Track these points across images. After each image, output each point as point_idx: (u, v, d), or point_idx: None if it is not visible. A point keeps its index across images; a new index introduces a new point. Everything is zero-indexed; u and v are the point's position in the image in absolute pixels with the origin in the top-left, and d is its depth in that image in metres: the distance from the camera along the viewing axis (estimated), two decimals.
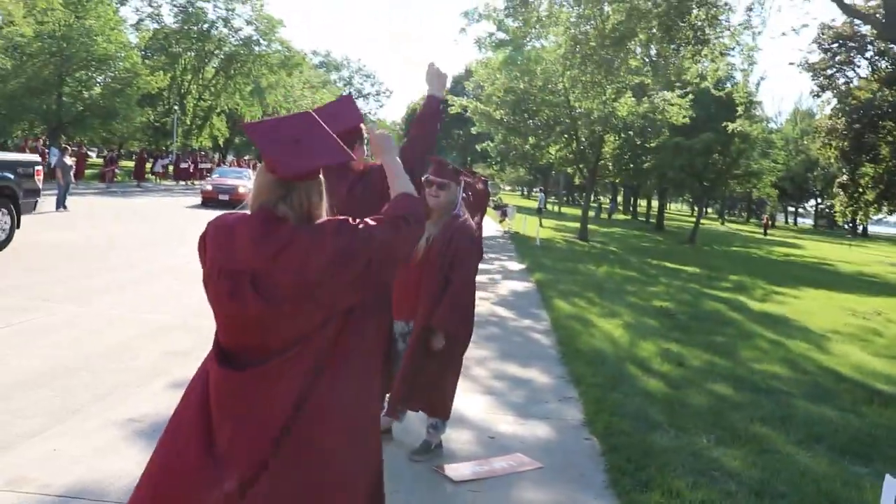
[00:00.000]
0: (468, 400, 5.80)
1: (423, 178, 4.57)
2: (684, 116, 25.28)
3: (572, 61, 21.59)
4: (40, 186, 13.00)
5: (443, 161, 4.80)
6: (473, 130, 29.18)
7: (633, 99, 25.41)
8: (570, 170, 31.11)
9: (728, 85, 29.12)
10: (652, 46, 20.88)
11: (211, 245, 2.29)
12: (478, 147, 31.79)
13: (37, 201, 13.01)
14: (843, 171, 30.30)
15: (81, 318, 7.71)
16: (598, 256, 21.34)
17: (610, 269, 17.59)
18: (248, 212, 2.33)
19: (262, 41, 43.16)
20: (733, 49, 19.49)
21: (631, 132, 25.50)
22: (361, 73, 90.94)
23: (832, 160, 31.03)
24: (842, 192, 30.87)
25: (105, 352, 6.54)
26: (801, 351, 9.55)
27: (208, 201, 26.16)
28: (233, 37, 43.39)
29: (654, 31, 17.24)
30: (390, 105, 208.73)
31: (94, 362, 6.18)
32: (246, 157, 54.66)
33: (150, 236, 15.60)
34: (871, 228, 74.18)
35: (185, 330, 7.58)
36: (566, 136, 26.04)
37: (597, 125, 25.12)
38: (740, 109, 24.58)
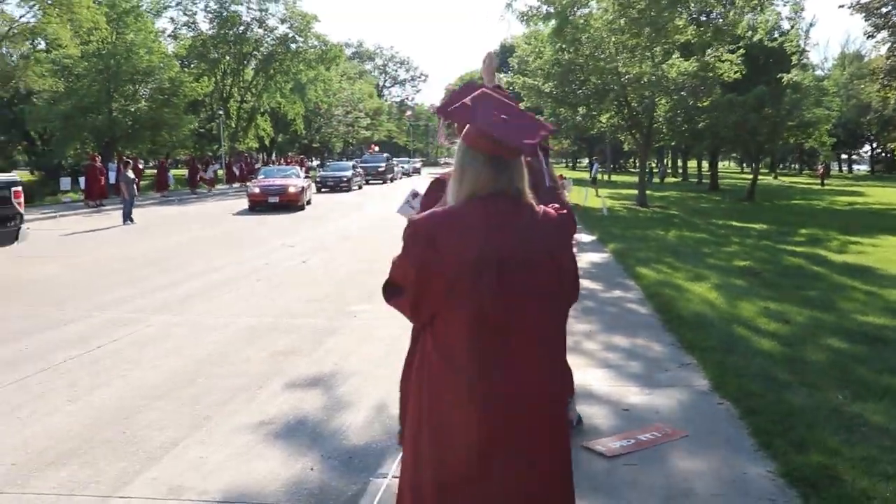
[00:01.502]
0: (589, 374, 5.72)
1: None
2: (736, 72, 24.60)
3: (621, 26, 21.13)
4: (21, 211, 10.95)
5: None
6: (521, 106, 28.77)
7: (680, 59, 24.80)
8: (622, 137, 30.60)
9: (776, 35, 28.25)
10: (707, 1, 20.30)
11: (451, 240, 2.17)
12: None
13: (19, 229, 10.91)
14: None
15: (179, 326, 7.84)
16: (663, 221, 20.98)
17: (679, 233, 17.27)
18: (452, 201, 2.28)
19: (297, 38, 43.33)
20: None
21: (683, 93, 24.86)
22: (395, 60, 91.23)
23: (893, 101, 29.89)
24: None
25: (212, 358, 6.62)
26: (894, 298, 9.23)
27: (257, 205, 24.13)
28: (269, 36, 43.67)
29: None
30: (427, 89, 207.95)
31: (205, 369, 6.27)
32: (289, 154, 54.97)
33: (216, 242, 15.82)
34: None
35: (281, 331, 7.64)
36: (617, 102, 25.59)
37: (647, 89, 24.61)
38: (794, 59, 23.77)
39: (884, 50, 30.30)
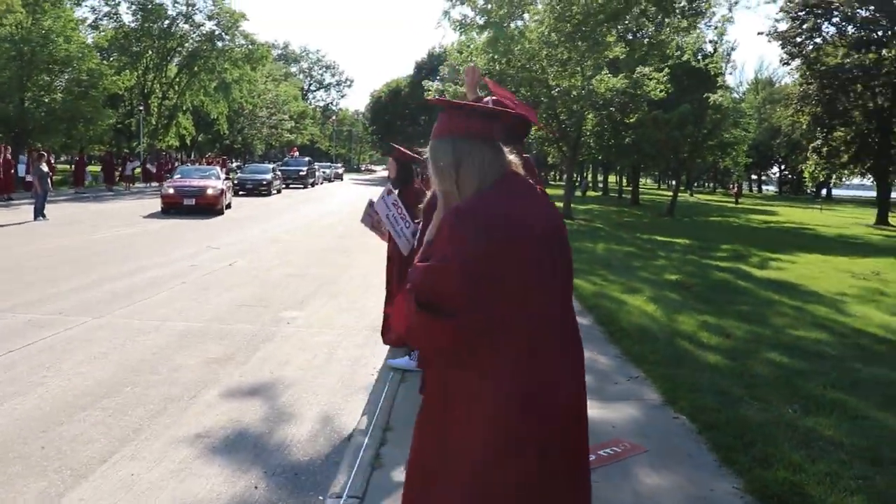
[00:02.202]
0: None
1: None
2: (662, 90, 25.22)
3: (554, 39, 21.34)
4: None
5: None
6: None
7: (608, 75, 25.28)
8: (548, 149, 30.96)
9: (699, 56, 29.19)
10: (643, 20, 20.74)
11: (510, 230, 1.98)
12: None
13: None
14: (817, 135, 30.55)
15: (102, 330, 7.32)
16: (590, 234, 21.23)
17: (607, 246, 17.47)
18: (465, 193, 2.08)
19: (224, 36, 42.16)
20: (728, 20, 19.35)
21: (612, 108, 25.32)
22: (321, 64, 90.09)
23: (805, 126, 31.29)
24: (816, 156, 31.19)
25: (140, 364, 6.18)
26: (824, 314, 9.48)
27: (171, 207, 21.61)
28: (195, 33, 42.33)
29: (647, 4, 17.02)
30: (353, 94, 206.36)
31: (133, 377, 5.83)
32: (209, 154, 53.22)
33: (137, 242, 15.06)
34: (835, 192, 75.49)
35: (213, 336, 7.23)
36: (546, 115, 25.85)
37: (576, 103, 24.95)
38: (720, 80, 24.57)
39: (796, 76, 31.74)
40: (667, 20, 19.48)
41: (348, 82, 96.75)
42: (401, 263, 5.77)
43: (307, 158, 49.85)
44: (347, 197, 36.54)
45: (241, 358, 6.53)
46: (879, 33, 28.01)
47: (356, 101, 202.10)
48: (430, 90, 27.57)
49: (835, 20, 29.29)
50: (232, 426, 4.87)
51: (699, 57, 26.27)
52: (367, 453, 4.16)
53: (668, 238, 21.22)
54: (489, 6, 21.83)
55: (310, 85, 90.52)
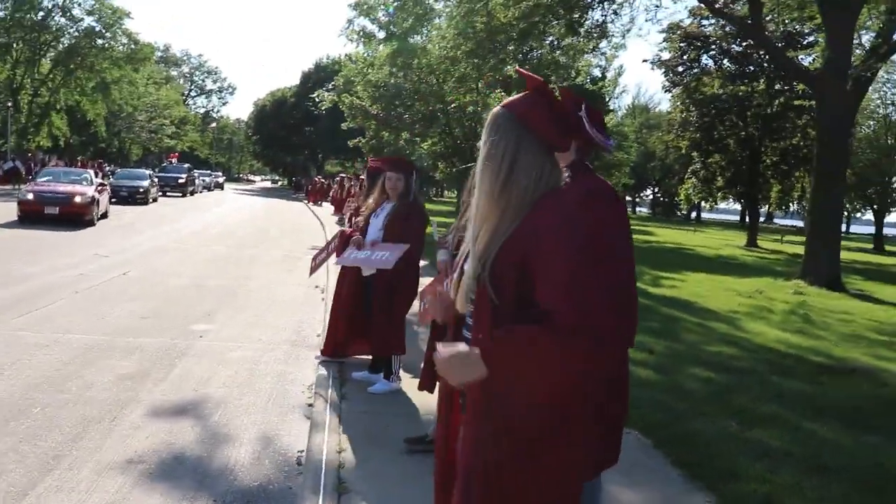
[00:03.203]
0: None
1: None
2: None
3: (457, 54, 21.44)
4: None
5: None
6: (344, 126, 28.49)
7: (503, 93, 25.71)
8: (440, 164, 31.08)
9: (589, 80, 30.25)
10: (547, 40, 21.20)
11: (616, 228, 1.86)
12: (349, 143, 31.03)
13: None
14: (696, 160, 32.30)
15: None
16: None
17: None
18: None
19: (105, 33, 39.77)
20: (621, 46, 20.10)
21: None
22: (203, 69, 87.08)
23: (684, 150, 33.05)
24: (694, 178, 32.93)
25: (44, 382, 5.57)
26: (726, 331, 9.87)
27: (29, 216, 18.16)
28: (72, 27, 39.72)
29: (557, 24, 17.40)
30: (235, 102, 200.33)
31: (39, 396, 5.24)
32: (79, 158, 49.84)
33: (14, 248, 13.80)
34: (704, 215, 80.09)
35: (121, 351, 6.66)
36: (441, 130, 25.98)
37: (472, 119, 25.21)
38: (611, 104, 25.51)
39: (668, 104, 33.51)
40: (568, 40, 20.01)
41: (230, 89, 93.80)
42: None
43: (186, 165, 47.67)
44: (233, 206, 35.35)
45: (158, 374, 6.01)
46: (752, 67, 29.98)
47: (238, 109, 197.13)
48: (323, 100, 27.14)
49: (712, 53, 31.08)
50: (166, 449, 4.43)
51: (589, 80, 27.21)
52: (328, 478, 3.86)
53: None
54: (393, 19, 21.72)
55: (190, 90, 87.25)
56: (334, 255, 6.43)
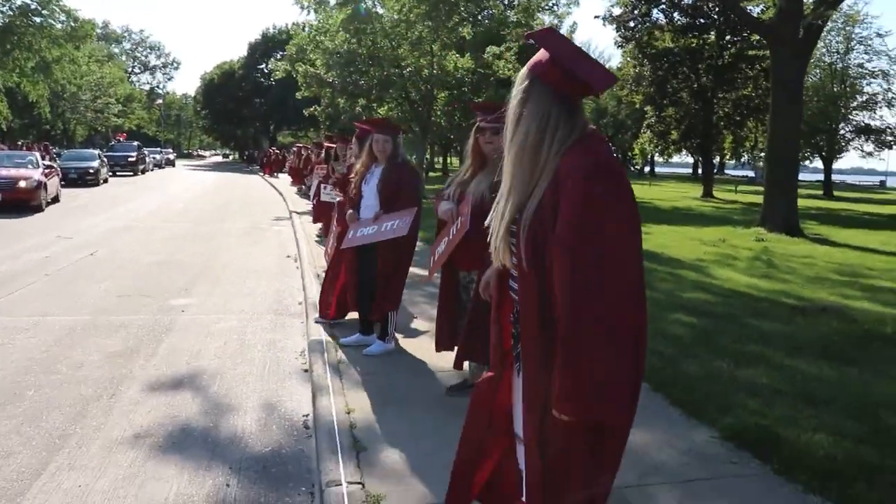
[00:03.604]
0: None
1: (475, 126, 4.28)
2: (510, 70, 25.80)
3: (412, 17, 21.15)
4: None
5: (488, 105, 4.46)
6: (298, 96, 28.00)
7: (456, 55, 25.53)
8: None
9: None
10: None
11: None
12: (305, 112, 30.56)
13: None
14: (651, 114, 32.59)
15: None
16: None
17: None
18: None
19: (42, 10, 38.06)
20: (574, 2, 20.05)
21: (465, 88, 25.59)
22: (145, 44, 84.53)
23: (638, 105, 33.34)
24: (649, 132, 33.32)
25: (33, 365, 5.47)
26: (696, 278, 10.10)
27: None
28: (5, 5, 37.97)
29: None
30: (181, 77, 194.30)
31: (31, 379, 5.15)
32: (21, 142, 48.03)
33: None
34: (657, 169, 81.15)
35: (105, 329, 6.56)
36: (399, 95, 25.71)
37: (428, 82, 24.99)
38: None
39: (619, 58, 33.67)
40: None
41: (175, 64, 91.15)
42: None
43: (136, 143, 46.40)
44: (188, 183, 34.72)
45: (148, 350, 5.95)
46: (702, 20, 30.25)
47: (185, 85, 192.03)
48: (277, 70, 26.61)
49: (662, 7, 31.23)
50: (171, 422, 4.41)
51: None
52: (342, 438, 3.90)
53: None
54: None
55: (134, 67, 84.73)
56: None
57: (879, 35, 45.42)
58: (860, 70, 40.68)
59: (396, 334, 5.92)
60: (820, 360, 5.71)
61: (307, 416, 4.58)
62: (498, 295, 2.33)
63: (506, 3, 23.96)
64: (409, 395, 4.73)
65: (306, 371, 5.50)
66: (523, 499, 2.22)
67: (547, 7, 19.79)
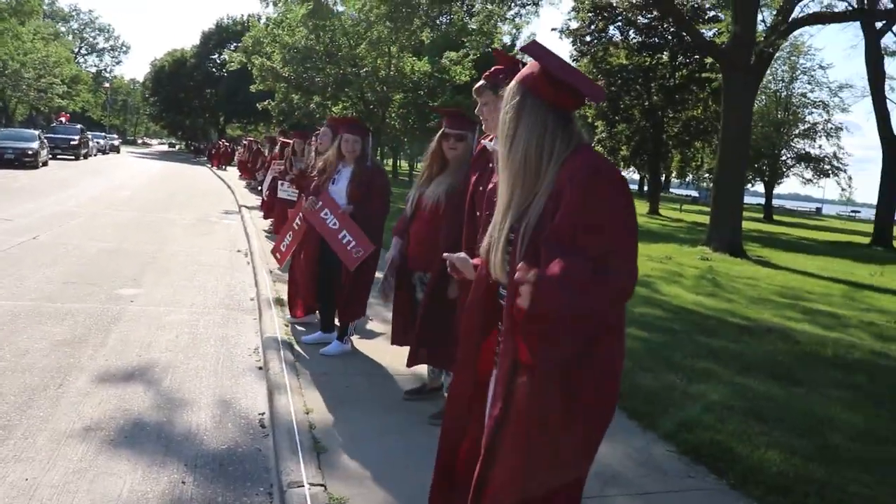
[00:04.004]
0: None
1: (440, 132, 4.33)
2: (465, 75, 25.97)
3: (373, 17, 21.07)
4: None
5: (456, 112, 4.51)
6: (252, 89, 27.60)
7: (413, 58, 25.58)
8: None
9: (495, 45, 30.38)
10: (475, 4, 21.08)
11: None
12: (258, 106, 30.12)
13: None
14: (601, 129, 33.13)
15: None
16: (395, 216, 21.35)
17: None
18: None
19: None
20: (534, 13, 20.22)
21: (422, 91, 25.64)
22: (94, 26, 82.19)
23: (590, 119, 33.83)
24: (600, 147, 33.83)
25: None
26: (646, 294, 10.27)
27: None
28: None
29: None
30: (129, 62, 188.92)
31: None
32: None
33: None
34: None
35: (51, 317, 6.33)
36: (354, 94, 25.60)
37: (382, 84, 24.97)
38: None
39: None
40: (489, 6, 20.03)
41: (124, 48, 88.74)
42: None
43: (79, 126, 44.80)
44: (134, 170, 33.87)
45: (96, 340, 5.76)
46: (656, 39, 30.90)
47: (133, 69, 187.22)
48: (232, 61, 26.19)
49: (619, 24, 31.80)
50: (122, 416, 4.28)
51: (501, 48, 27.27)
52: (302, 438, 3.83)
53: None
54: None
55: (80, 48, 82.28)
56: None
57: (822, 67, 47.17)
58: (803, 99, 42.12)
59: (354, 336, 5.87)
60: (768, 380, 5.86)
61: (263, 414, 4.50)
62: (481, 317, 2.30)
63: (466, 10, 24.11)
64: (368, 396, 4.70)
65: (260, 369, 5.41)
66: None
67: (507, 17, 19.99)
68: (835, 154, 41.99)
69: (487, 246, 2.19)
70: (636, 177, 42.39)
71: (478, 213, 3.48)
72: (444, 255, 2.63)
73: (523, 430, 1.96)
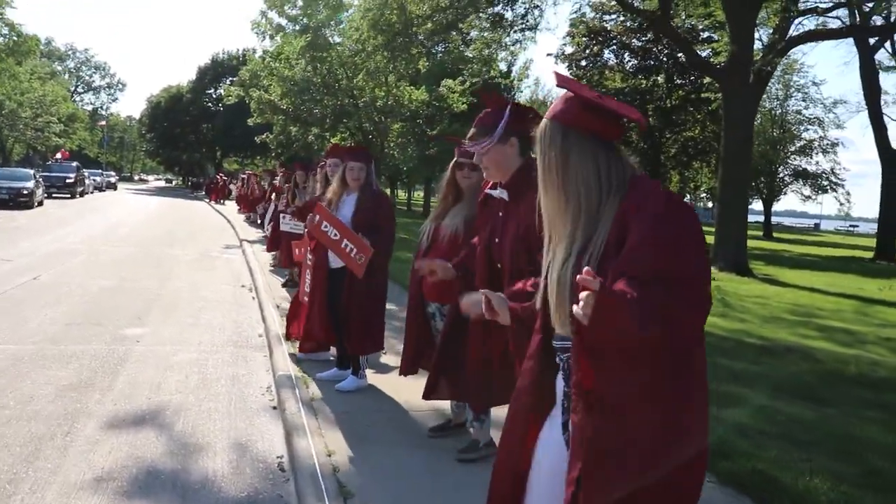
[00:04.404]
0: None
1: (453, 161, 4.23)
2: (463, 103, 26.00)
3: (370, 47, 21.10)
4: None
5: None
6: (250, 122, 27.57)
7: (411, 87, 25.62)
8: None
9: (499, 74, 30.47)
10: (472, 32, 21.19)
11: None
12: (257, 139, 30.12)
13: None
14: None
15: None
16: (404, 244, 21.21)
17: None
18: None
19: None
20: (531, 39, 20.32)
21: (420, 120, 25.65)
22: (90, 64, 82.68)
23: None
24: None
25: None
26: None
27: None
28: None
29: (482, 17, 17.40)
30: (125, 99, 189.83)
31: None
32: None
33: None
34: None
35: (55, 360, 6.15)
36: (352, 125, 25.58)
37: (382, 113, 24.97)
38: (516, 98, 25.81)
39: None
40: (487, 34, 20.08)
41: (120, 86, 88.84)
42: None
43: (75, 164, 44.55)
44: (133, 207, 33.76)
45: (104, 383, 5.58)
46: (651, 62, 31.04)
47: (129, 107, 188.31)
48: (230, 94, 26.23)
49: (613, 47, 31.95)
50: (135, 464, 4.09)
51: (499, 74, 27.46)
52: (327, 483, 3.65)
53: None
54: (308, 11, 21.15)
55: (77, 86, 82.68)
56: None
57: (815, 84, 47.42)
58: (798, 116, 42.31)
59: (367, 370, 5.70)
60: (796, 401, 5.70)
61: (281, 457, 4.31)
62: (539, 363, 2.13)
63: (462, 39, 24.21)
64: (391, 435, 4.51)
65: (275, 408, 5.22)
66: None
67: (505, 44, 20.08)
68: (832, 170, 42.09)
69: (544, 296, 2.04)
70: None
71: (499, 265, 3.35)
72: (482, 291, 2.48)
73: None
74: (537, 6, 18.06)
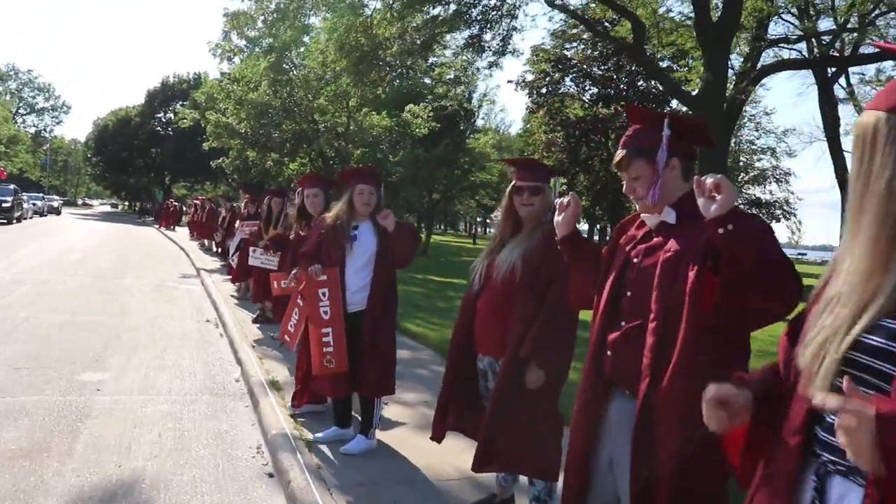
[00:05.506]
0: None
1: (511, 185, 3.60)
2: (426, 128, 25.52)
3: (337, 68, 20.39)
4: None
5: (528, 161, 3.80)
6: (206, 147, 26.54)
7: (373, 113, 25.04)
8: None
9: (462, 101, 30.08)
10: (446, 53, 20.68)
11: None
12: (213, 164, 29.02)
13: None
14: (561, 183, 32.97)
15: None
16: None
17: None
18: None
19: None
20: (497, 64, 19.94)
21: (383, 146, 24.94)
22: (33, 85, 79.99)
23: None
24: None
25: None
26: None
27: None
28: None
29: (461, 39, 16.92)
30: (70, 122, 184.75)
31: None
32: None
33: None
34: None
35: (2, 416, 5.26)
36: (313, 150, 24.78)
37: (343, 139, 24.30)
38: (480, 123, 25.45)
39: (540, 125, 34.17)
40: (463, 57, 19.59)
41: (65, 108, 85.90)
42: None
43: (12, 186, 42.27)
44: (80, 233, 32.19)
45: (61, 446, 4.72)
46: (611, 91, 31.02)
47: (74, 130, 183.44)
48: (185, 117, 25.17)
49: (573, 76, 31.86)
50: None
51: (461, 101, 27.06)
52: None
53: (443, 278, 21.13)
54: (272, 31, 20.41)
55: (19, 107, 79.83)
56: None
57: (767, 113, 48.29)
58: (751, 146, 42.91)
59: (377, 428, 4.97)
60: None
61: None
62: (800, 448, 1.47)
63: (427, 65, 23.79)
64: None
65: (271, 476, 4.45)
66: None
67: (478, 69, 19.70)
68: (786, 199, 42.79)
69: (811, 357, 1.39)
70: (585, 227, 41.90)
71: (623, 324, 2.58)
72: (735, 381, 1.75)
73: None
74: (516, 28, 17.66)
